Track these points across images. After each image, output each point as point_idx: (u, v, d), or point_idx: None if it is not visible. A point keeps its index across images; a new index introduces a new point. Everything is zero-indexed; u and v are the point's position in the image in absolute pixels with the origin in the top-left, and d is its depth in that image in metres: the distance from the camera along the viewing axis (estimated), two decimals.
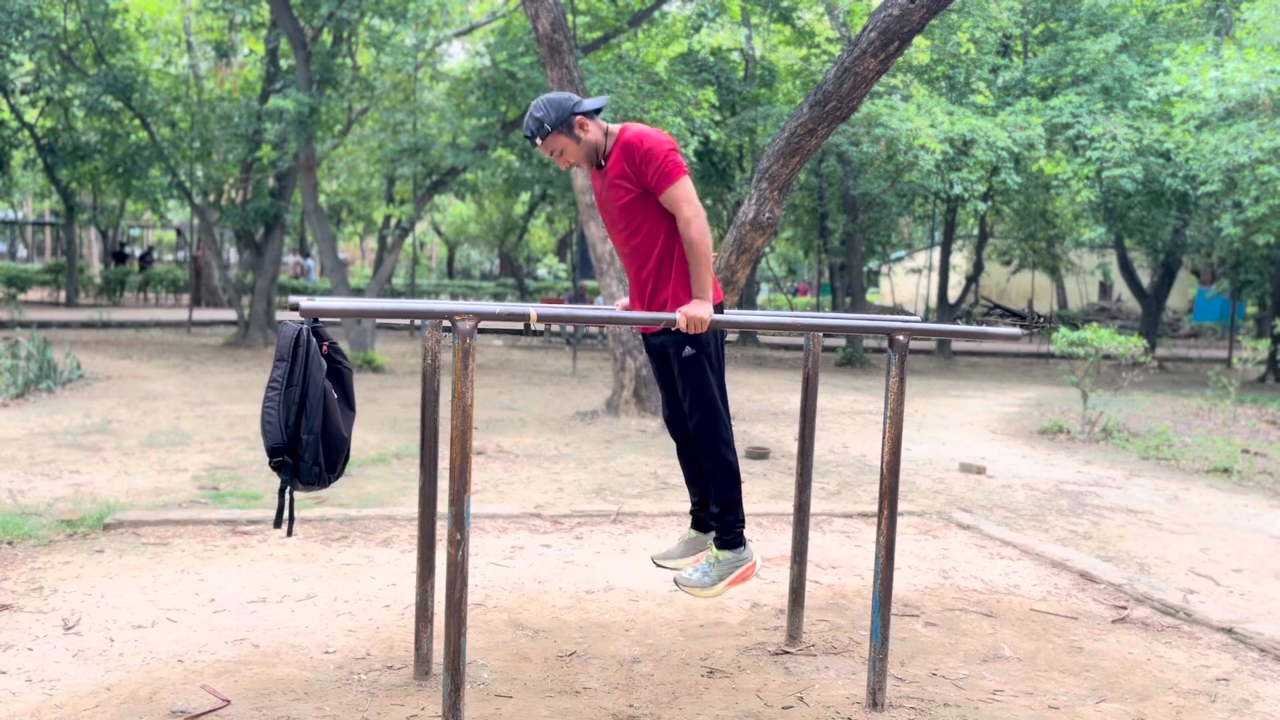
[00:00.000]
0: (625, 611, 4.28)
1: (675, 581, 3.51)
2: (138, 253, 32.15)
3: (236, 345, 16.42)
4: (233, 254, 31.86)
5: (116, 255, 29.78)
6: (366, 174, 23.26)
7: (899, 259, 28.97)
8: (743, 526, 3.54)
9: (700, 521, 3.75)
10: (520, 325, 11.22)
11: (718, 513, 3.54)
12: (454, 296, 29.91)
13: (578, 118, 3.36)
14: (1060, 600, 4.69)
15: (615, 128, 3.43)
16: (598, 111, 3.42)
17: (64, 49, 16.48)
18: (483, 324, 3.02)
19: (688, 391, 3.45)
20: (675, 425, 3.68)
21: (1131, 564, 5.39)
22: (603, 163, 3.44)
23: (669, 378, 3.61)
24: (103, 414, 8.95)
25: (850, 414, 11.12)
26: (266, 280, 17.17)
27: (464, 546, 2.89)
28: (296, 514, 3.89)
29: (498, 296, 30.64)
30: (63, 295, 25.39)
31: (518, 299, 28.11)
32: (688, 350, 3.41)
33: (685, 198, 3.30)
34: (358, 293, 21.43)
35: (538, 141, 3.38)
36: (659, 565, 3.74)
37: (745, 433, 9.28)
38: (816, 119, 7.06)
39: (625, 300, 3.74)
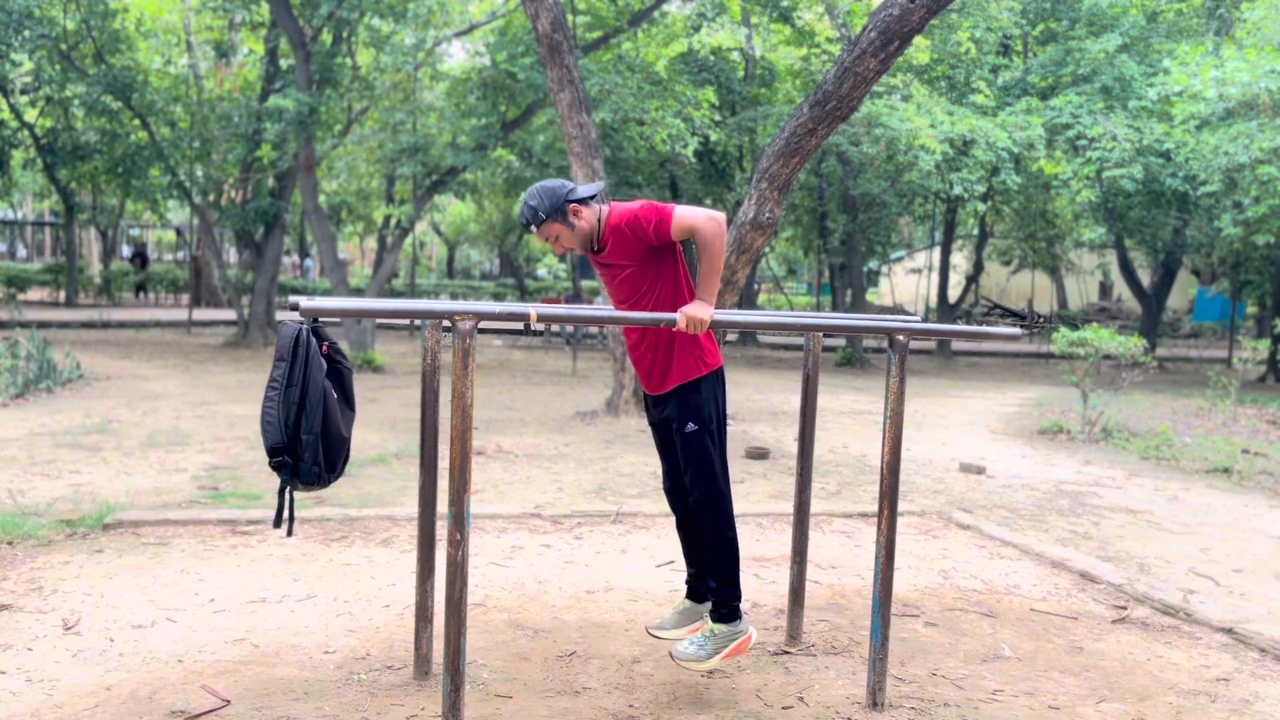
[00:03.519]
0: (625, 611, 4.29)
1: (671, 654, 3.48)
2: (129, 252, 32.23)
3: (236, 345, 16.42)
4: (232, 254, 31.86)
5: (139, 259, 30.03)
6: (366, 174, 23.25)
7: (899, 259, 28.96)
8: (739, 601, 3.51)
9: (696, 592, 3.71)
10: (520, 325, 11.21)
11: (716, 587, 3.51)
12: (454, 296, 29.90)
13: (571, 205, 3.34)
14: (1060, 600, 4.69)
15: (605, 209, 3.40)
16: (592, 197, 3.39)
17: (64, 49, 16.48)
18: (483, 324, 3.02)
19: (689, 467, 3.45)
20: (675, 498, 3.66)
21: (1131, 564, 5.39)
22: (597, 247, 3.42)
23: (670, 451, 3.59)
24: (103, 414, 8.95)
25: (850, 414, 11.12)
26: (266, 280, 17.17)
27: (464, 546, 2.89)
28: (296, 514, 3.90)
29: (498, 296, 30.64)
30: (62, 295, 25.39)
31: (518, 299, 28.11)
32: (690, 426, 3.41)
33: (689, 216, 3.27)
34: (358, 293, 21.42)
35: (533, 229, 3.36)
36: (653, 635, 3.71)
37: (745, 433, 9.28)
38: (816, 119, 7.06)
39: None
